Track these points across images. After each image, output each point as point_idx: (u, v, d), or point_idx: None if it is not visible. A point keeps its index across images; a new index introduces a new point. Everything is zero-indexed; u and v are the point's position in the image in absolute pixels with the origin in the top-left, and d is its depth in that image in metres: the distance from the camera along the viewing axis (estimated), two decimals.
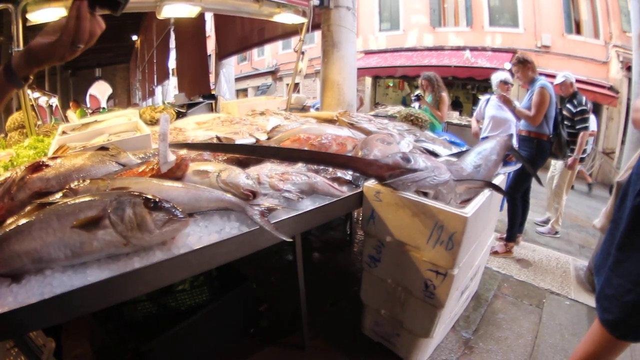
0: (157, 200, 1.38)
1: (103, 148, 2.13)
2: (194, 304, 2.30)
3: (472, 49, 13.65)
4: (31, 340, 1.59)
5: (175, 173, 1.73)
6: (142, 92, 19.55)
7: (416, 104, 5.25)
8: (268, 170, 1.98)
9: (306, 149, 2.52)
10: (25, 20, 3.19)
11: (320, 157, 2.05)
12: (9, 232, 1.26)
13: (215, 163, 1.98)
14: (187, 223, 1.42)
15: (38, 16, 3.27)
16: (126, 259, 1.35)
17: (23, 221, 1.29)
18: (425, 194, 1.98)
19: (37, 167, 1.67)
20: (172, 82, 14.00)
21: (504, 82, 4.77)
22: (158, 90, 16.47)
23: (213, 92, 8.86)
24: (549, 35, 12.30)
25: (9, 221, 1.33)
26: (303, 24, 4.97)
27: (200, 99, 5.89)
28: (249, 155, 2.04)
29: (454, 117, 9.63)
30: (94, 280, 1.23)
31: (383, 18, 16.53)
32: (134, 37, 16.77)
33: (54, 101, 10.94)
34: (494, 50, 13.28)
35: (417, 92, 5.35)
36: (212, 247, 1.49)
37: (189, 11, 4.12)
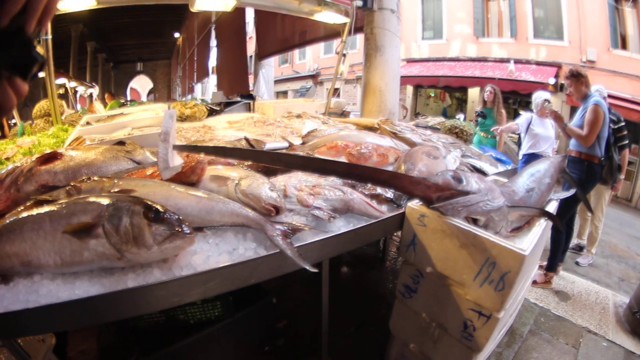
0: (159, 210, 1.20)
1: (120, 143, 2.04)
2: (205, 318, 2.11)
3: (516, 61, 13.23)
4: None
5: (190, 177, 1.52)
6: (182, 89, 19.86)
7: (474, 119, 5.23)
8: (297, 180, 1.74)
9: (343, 159, 2.32)
10: None
11: (359, 171, 1.67)
12: (1, 229, 1.17)
13: (238, 169, 1.74)
14: (193, 240, 1.20)
15: (68, 5, 3.30)
16: (120, 274, 1.18)
17: (16, 219, 1.19)
18: (475, 221, 1.73)
19: (47, 159, 1.60)
20: (212, 80, 14.12)
21: (547, 102, 4.51)
22: (197, 87, 16.65)
23: (251, 92, 8.82)
24: (594, 49, 11.75)
25: (7, 216, 1.23)
26: (345, 24, 4.80)
27: (238, 98, 5.81)
28: (271, 164, 1.70)
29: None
30: (82, 294, 1.10)
31: (426, 26, 16.26)
32: (176, 35, 17.00)
33: (92, 91, 11.12)
34: (538, 63, 12.82)
35: (478, 109, 5.43)
36: (220, 270, 1.24)
37: (224, 4, 3.93)
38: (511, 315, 2.40)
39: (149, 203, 1.21)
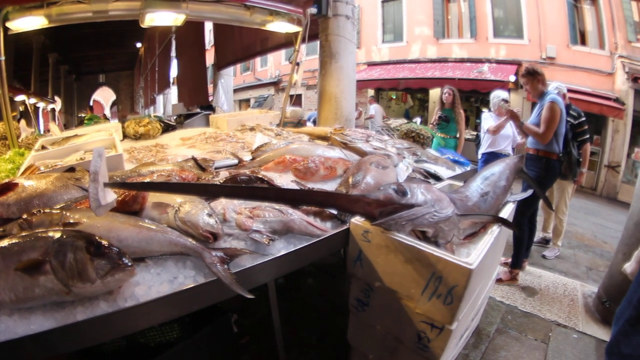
0: (101, 244, 1.22)
1: (71, 169, 2.05)
2: (164, 341, 2.09)
3: (476, 60, 13.51)
4: None
5: (132, 207, 1.54)
6: (144, 100, 19.52)
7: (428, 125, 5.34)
8: (238, 203, 1.74)
9: (290, 175, 2.33)
10: (6, 29, 3.16)
11: (291, 195, 1.65)
12: None
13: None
14: (133, 273, 1.23)
15: (19, 24, 3.24)
16: (70, 308, 1.20)
17: None
18: (424, 233, 1.72)
19: (0, 190, 1.60)
20: (174, 91, 13.90)
21: (505, 101, 4.68)
22: (159, 99, 16.38)
23: (211, 103, 8.77)
24: (554, 46, 12.12)
25: None
26: (298, 33, 4.80)
27: (198, 110, 5.77)
28: (199, 195, 1.66)
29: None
30: (37, 329, 1.12)
31: (386, 29, 16.44)
32: (138, 45, 16.71)
33: (53, 107, 10.87)
34: (498, 62, 13.10)
35: (441, 113, 5.52)
36: (161, 300, 1.27)
37: (174, 19, 3.94)
38: (473, 319, 2.41)
39: (91, 237, 1.23)
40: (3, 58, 3.09)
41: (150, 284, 1.32)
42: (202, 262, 1.39)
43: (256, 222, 1.62)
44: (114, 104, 24.63)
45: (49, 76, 14.70)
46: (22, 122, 6.24)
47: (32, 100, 9.38)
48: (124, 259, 1.22)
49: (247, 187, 1.81)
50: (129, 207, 1.54)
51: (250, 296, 1.33)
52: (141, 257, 1.38)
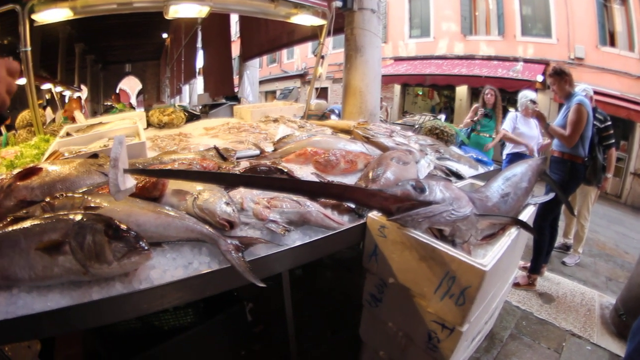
0: (119, 227, 1.26)
1: (94, 156, 2.08)
2: (178, 325, 2.14)
3: (503, 59, 13.21)
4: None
5: (152, 193, 1.57)
6: (170, 90, 19.76)
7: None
8: (256, 192, 1.75)
9: (310, 167, 2.33)
10: (32, 20, 3.22)
11: (308, 187, 1.61)
12: None
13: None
14: (149, 256, 1.26)
15: (44, 16, 3.30)
16: (87, 287, 1.25)
17: None
18: (441, 231, 1.69)
19: (25, 174, 1.64)
20: (200, 81, 14.03)
21: (533, 102, 4.53)
22: (185, 88, 16.57)
23: (236, 94, 8.81)
24: (582, 46, 11.70)
25: None
26: (322, 26, 4.77)
27: (223, 100, 5.80)
28: (216, 183, 1.68)
29: None
30: (54, 306, 1.17)
31: (413, 24, 16.20)
32: (164, 35, 16.91)
33: (79, 95, 11.09)
34: (525, 61, 12.73)
35: (485, 109, 5.38)
36: (175, 284, 1.30)
37: (198, 11, 3.94)
38: (486, 322, 2.36)
39: (110, 221, 1.27)
40: (29, 49, 3.18)
41: (165, 268, 1.35)
42: (218, 249, 1.41)
43: (273, 212, 1.62)
44: (140, 93, 25.01)
45: (75, 65, 15.01)
46: (48, 109, 6.38)
47: (58, 89, 9.58)
48: (140, 243, 1.25)
49: (264, 177, 1.81)
50: (149, 194, 1.56)
51: (262, 285, 1.34)
52: (158, 241, 1.41)
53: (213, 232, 1.44)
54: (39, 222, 1.27)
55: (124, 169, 1.21)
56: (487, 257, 1.53)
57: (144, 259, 1.25)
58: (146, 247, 1.25)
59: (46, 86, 8.96)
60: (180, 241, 1.46)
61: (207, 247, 1.46)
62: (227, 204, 1.53)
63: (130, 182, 1.25)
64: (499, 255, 1.58)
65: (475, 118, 5.51)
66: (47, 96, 9.63)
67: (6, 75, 1.08)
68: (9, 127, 4.79)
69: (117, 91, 13.65)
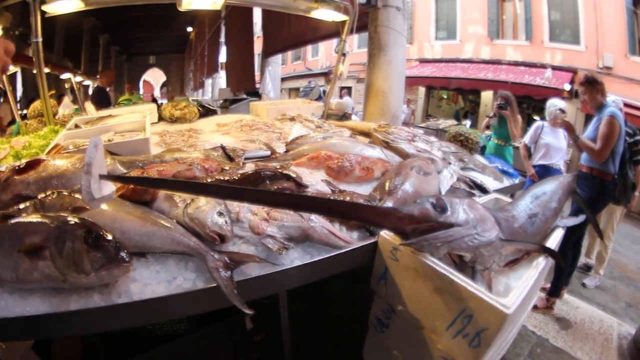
0: (99, 235, 1.18)
1: None
2: (172, 331, 2.06)
3: (530, 64, 12.92)
4: None
5: (143, 197, 1.45)
6: (193, 83, 20.00)
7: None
8: None
9: (322, 173, 2.19)
10: (43, 12, 3.19)
11: (306, 202, 1.36)
12: None
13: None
14: (129, 269, 1.17)
15: (55, 7, 3.26)
16: (66, 295, 1.19)
17: None
18: (460, 256, 1.50)
19: (23, 168, 1.62)
20: (223, 75, 14.11)
21: (562, 111, 4.32)
22: (208, 82, 16.72)
23: (257, 90, 8.77)
24: (611, 55, 11.32)
25: None
26: (345, 22, 4.55)
27: (244, 96, 5.74)
28: (202, 195, 1.43)
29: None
30: (32, 311, 1.15)
31: (439, 26, 15.99)
32: (189, 29, 17.10)
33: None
34: (553, 68, 12.36)
35: (499, 102, 5.00)
36: (155, 301, 1.19)
37: (212, 3, 3.78)
38: (499, 354, 2.20)
39: (92, 227, 1.19)
40: (40, 39, 3.14)
41: (147, 282, 1.24)
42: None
43: (271, 226, 1.45)
44: (164, 85, 25.35)
45: (99, 56, 15.30)
46: (66, 99, 6.36)
47: (78, 79, 9.62)
48: (121, 254, 1.17)
49: (254, 190, 1.49)
50: (140, 197, 1.46)
51: (248, 312, 1.20)
52: (142, 252, 1.31)
53: (201, 246, 1.29)
54: (24, 223, 1.22)
55: (99, 175, 1.09)
56: (510, 296, 1.32)
57: (122, 271, 1.15)
58: (127, 259, 1.16)
59: (65, 75, 8.98)
60: (166, 253, 1.33)
61: (195, 261, 1.32)
62: (220, 214, 1.38)
63: (108, 188, 1.13)
64: (525, 293, 1.36)
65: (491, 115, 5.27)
66: (67, 85, 9.69)
67: (3, 54, 1.17)
68: (24, 117, 4.79)
69: (141, 83, 13.85)
